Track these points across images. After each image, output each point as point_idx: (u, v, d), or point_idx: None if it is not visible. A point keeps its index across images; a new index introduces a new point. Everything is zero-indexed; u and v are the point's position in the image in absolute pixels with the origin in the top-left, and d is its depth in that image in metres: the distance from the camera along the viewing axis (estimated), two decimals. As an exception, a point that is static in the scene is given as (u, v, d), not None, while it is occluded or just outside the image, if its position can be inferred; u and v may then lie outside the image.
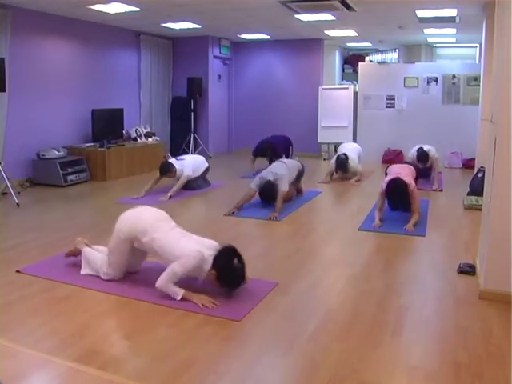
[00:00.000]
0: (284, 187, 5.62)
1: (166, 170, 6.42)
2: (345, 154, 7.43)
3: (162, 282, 3.10)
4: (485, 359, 2.49)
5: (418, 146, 7.20)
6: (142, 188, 6.36)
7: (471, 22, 7.65)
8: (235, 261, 3.11)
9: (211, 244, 3.26)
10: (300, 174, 6.22)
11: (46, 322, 2.84)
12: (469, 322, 2.90)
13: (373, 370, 2.38)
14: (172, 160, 6.69)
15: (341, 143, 8.52)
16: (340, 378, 2.31)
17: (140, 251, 3.45)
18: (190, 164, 6.62)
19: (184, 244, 3.18)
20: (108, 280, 3.45)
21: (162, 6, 6.73)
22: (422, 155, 7.05)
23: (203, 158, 7.08)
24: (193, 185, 6.66)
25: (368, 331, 2.78)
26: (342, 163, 7.38)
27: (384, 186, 5.03)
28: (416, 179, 5.59)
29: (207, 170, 6.97)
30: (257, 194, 5.70)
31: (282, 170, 5.80)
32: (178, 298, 3.09)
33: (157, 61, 9.80)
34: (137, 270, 3.63)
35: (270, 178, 5.65)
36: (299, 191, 6.41)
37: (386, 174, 5.61)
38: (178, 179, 6.49)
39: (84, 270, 3.60)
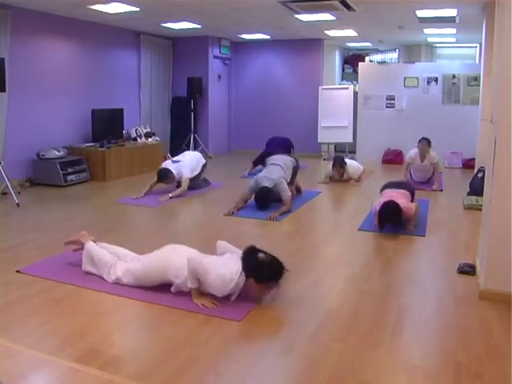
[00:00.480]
0: (287, 193, 5.57)
1: (164, 177, 6.39)
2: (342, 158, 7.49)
3: (195, 261, 3.02)
4: (485, 359, 2.49)
5: (417, 149, 7.09)
6: (141, 188, 6.36)
7: (471, 21, 7.65)
8: (260, 255, 3.05)
9: (235, 257, 3.14)
10: (295, 171, 6.14)
11: (46, 322, 2.84)
12: (469, 322, 2.90)
13: (373, 370, 2.39)
14: (169, 163, 6.61)
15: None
16: (340, 378, 2.31)
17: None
18: (187, 165, 6.56)
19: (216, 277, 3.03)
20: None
21: (161, 5, 6.73)
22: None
23: (200, 155, 7.00)
24: (193, 185, 6.64)
25: (368, 331, 2.78)
26: (339, 158, 7.48)
27: (377, 207, 4.76)
28: (412, 200, 5.21)
29: (205, 166, 6.90)
30: (252, 197, 5.67)
31: (278, 174, 5.71)
32: (191, 286, 3.04)
33: (157, 61, 9.80)
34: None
35: (267, 184, 5.56)
36: (298, 190, 6.41)
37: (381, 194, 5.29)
38: (177, 183, 6.47)
39: (86, 268, 3.58)
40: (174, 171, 6.41)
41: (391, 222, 4.75)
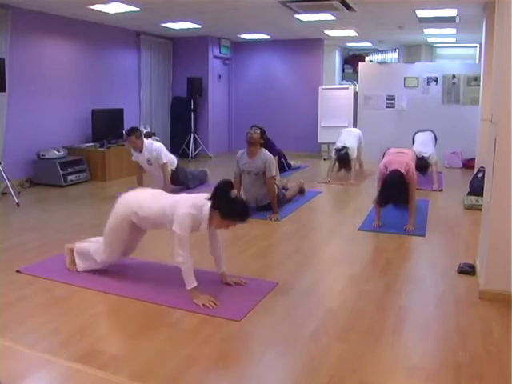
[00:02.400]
0: (273, 171, 5.38)
1: (133, 131, 6.10)
2: (344, 147, 7.23)
3: (178, 254, 3.04)
4: (485, 359, 2.49)
5: (418, 149, 6.90)
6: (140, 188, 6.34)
7: (471, 22, 7.65)
8: (233, 192, 3.08)
9: (202, 195, 3.22)
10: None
11: (45, 322, 2.84)
12: (469, 322, 2.90)
13: (373, 370, 2.39)
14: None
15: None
16: (340, 378, 2.31)
17: (137, 230, 3.46)
18: (163, 150, 6.26)
19: (177, 201, 3.17)
20: (105, 269, 3.52)
21: (161, 5, 6.73)
22: (422, 165, 6.88)
23: (173, 156, 6.69)
24: (187, 182, 6.54)
25: (368, 331, 2.78)
26: (343, 159, 7.24)
27: (381, 173, 4.82)
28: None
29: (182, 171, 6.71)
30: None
31: (265, 152, 5.50)
32: (189, 287, 3.05)
33: (157, 61, 9.80)
34: (133, 251, 3.68)
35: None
36: (301, 191, 6.40)
37: (383, 156, 5.38)
38: (147, 161, 6.21)
39: (80, 267, 3.60)
40: (145, 143, 6.16)
41: (396, 193, 4.62)
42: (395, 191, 4.61)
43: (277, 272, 3.72)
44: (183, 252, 3.04)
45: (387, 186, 4.67)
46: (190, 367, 2.39)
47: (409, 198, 4.74)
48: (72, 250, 3.68)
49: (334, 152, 7.44)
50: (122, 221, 3.37)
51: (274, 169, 5.42)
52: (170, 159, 6.46)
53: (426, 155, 6.83)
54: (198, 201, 3.11)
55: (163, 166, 6.22)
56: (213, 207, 3.05)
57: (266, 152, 5.49)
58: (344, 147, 7.23)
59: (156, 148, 6.21)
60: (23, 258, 3.94)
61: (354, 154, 7.34)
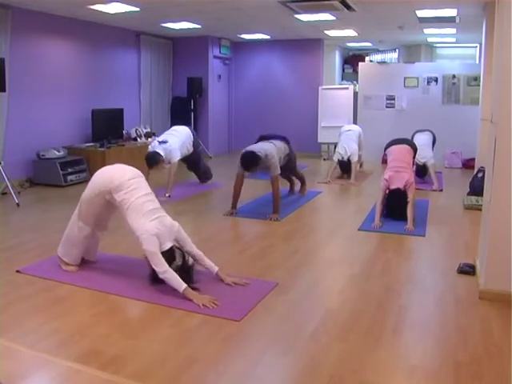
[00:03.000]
0: (275, 170, 5.33)
1: (153, 162, 6.02)
2: (348, 159, 7.42)
3: (157, 267, 3.12)
4: (485, 359, 2.49)
5: (417, 156, 6.86)
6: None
7: (471, 22, 7.65)
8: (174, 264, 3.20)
9: (171, 228, 3.31)
10: (290, 159, 5.93)
11: (46, 322, 2.84)
12: (469, 322, 2.90)
13: (373, 370, 2.38)
14: (155, 144, 6.28)
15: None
16: (340, 378, 2.31)
17: (110, 206, 3.51)
18: (176, 148, 6.24)
19: (143, 222, 3.22)
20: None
21: (161, 5, 6.73)
22: (421, 170, 7.08)
23: (188, 131, 6.63)
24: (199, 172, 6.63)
25: (368, 331, 2.78)
26: (346, 167, 7.54)
27: (384, 181, 5.13)
28: (414, 156, 5.78)
29: (197, 142, 6.65)
30: (246, 174, 5.49)
31: (269, 148, 5.44)
32: (182, 289, 3.07)
33: (157, 61, 9.80)
34: (105, 229, 3.79)
35: (256, 151, 5.33)
36: (302, 187, 6.41)
37: (385, 155, 5.65)
38: (167, 164, 6.19)
39: (65, 259, 3.65)
40: (162, 153, 6.10)
41: (399, 206, 5.05)
42: (398, 208, 5.06)
43: (277, 272, 3.72)
44: (160, 263, 3.11)
45: (390, 205, 5.13)
46: (190, 367, 2.39)
47: (408, 200, 5.01)
48: (62, 261, 3.72)
49: (335, 156, 7.52)
50: (97, 196, 3.44)
51: (277, 167, 5.39)
52: (189, 145, 6.51)
53: (423, 161, 7.03)
54: (150, 230, 3.18)
55: (172, 165, 6.21)
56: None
57: (269, 151, 5.43)
58: (345, 161, 7.46)
59: (170, 155, 6.20)
60: (23, 257, 3.94)
61: (355, 158, 7.44)
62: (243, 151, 5.43)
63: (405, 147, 5.65)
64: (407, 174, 5.16)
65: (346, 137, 7.65)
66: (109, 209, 3.56)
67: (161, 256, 3.13)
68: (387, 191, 5.12)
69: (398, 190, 5.05)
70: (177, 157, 6.24)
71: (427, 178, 7.09)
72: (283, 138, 6.58)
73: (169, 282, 3.11)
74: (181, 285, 3.08)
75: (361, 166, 8.19)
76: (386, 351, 2.56)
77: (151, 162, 6.01)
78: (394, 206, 5.09)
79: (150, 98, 9.67)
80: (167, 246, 3.21)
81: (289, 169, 6.08)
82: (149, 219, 3.23)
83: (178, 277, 3.10)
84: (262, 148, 5.42)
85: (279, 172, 5.44)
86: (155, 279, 3.22)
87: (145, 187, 3.43)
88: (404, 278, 3.68)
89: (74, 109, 7.86)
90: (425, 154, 7.03)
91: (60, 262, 3.68)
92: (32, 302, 3.12)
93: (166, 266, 3.11)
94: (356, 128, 8.09)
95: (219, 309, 3.00)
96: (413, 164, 5.80)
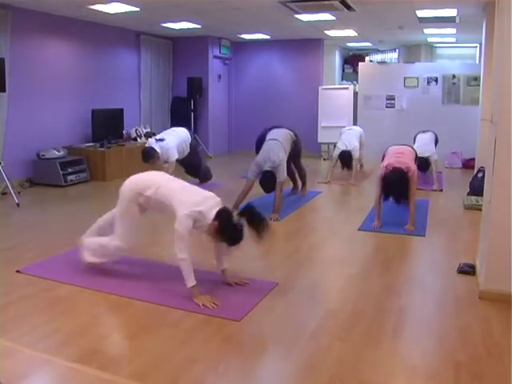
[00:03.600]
0: (282, 176, 5.42)
1: (149, 156, 6.07)
2: (347, 151, 7.27)
3: (178, 251, 3.05)
4: (485, 359, 2.49)
5: (419, 150, 6.83)
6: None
7: (471, 21, 7.65)
8: (236, 217, 3.14)
9: (213, 197, 3.25)
10: (297, 148, 5.97)
11: (45, 322, 2.84)
12: (469, 322, 2.90)
13: (373, 369, 2.38)
14: (152, 141, 6.33)
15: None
16: (340, 378, 2.31)
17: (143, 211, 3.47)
18: (173, 147, 6.26)
19: (183, 197, 3.19)
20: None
21: (161, 5, 6.73)
22: (423, 164, 6.87)
23: (186, 132, 6.66)
24: (199, 173, 6.55)
25: (368, 331, 2.78)
26: (347, 159, 7.30)
27: (382, 173, 4.87)
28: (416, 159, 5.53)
29: (195, 145, 6.64)
30: (256, 181, 5.56)
31: (278, 153, 5.46)
32: (189, 284, 3.05)
33: (157, 61, 9.80)
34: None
35: (268, 167, 5.40)
36: (303, 187, 6.38)
37: (384, 156, 5.41)
38: (165, 163, 6.19)
39: (90, 259, 3.58)
40: (158, 150, 6.15)
41: (397, 189, 4.80)
42: (396, 185, 4.76)
43: (277, 272, 3.72)
44: (183, 249, 3.05)
45: (388, 180, 4.78)
46: (190, 367, 2.39)
47: (409, 195, 4.83)
48: (82, 244, 3.68)
49: (335, 151, 7.43)
50: (130, 202, 3.39)
51: (283, 174, 5.47)
52: (180, 146, 6.44)
53: (426, 155, 6.85)
54: (204, 208, 3.11)
55: (169, 165, 6.20)
56: (215, 220, 3.09)
57: (281, 156, 5.48)
58: (346, 151, 7.31)
59: (167, 153, 6.22)
60: (23, 257, 3.94)
61: (356, 154, 7.40)
62: (260, 172, 5.49)
63: (404, 146, 5.56)
64: (408, 160, 4.96)
65: (346, 135, 7.64)
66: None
67: (187, 242, 3.08)
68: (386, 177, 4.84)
69: (399, 169, 4.78)
70: (174, 156, 6.26)
71: (428, 174, 7.05)
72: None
73: (182, 269, 3.06)
74: (191, 280, 3.05)
75: (361, 166, 8.17)
76: (385, 351, 2.56)
77: (146, 157, 6.10)
78: (393, 186, 4.78)
79: (150, 98, 9.67)
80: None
81: (295, 156, 6.08)
82: (192, 198, 3.18)
83: (192, 271, 3.06)
84: (270, 159, 5.44)
85: (285, 177, 5.54)
86: None
87: (173, 178, 3.50)
88: (404, 278, 3.68)
89: (74, 109, 7.86)
90: (428, 149, 6.98)
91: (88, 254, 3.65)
92: (32, 302, 3.12)
93: (187, 254, 3.06)
94: (357, 128, 8.11)
95: (219, 309, 3.00)
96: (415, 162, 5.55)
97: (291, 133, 5.93)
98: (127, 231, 3.43)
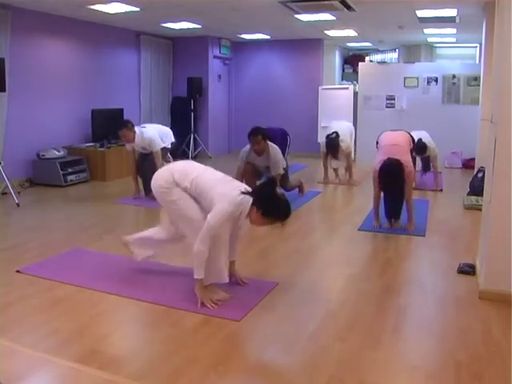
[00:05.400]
0: (279, 169, 5.42)
1: (123, 124, 5.95)
2: (335, 133, 6.99)
3: (200, 241, 2.92)
4: (485, 359, 2.49)
5: (416, 136, 6.45)
6: (140, 187, 6.30)
7: (471, 22, 7.64)
8: (278, 190, 3.02)
9: (237, 186, 3.12)
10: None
11: (45, 322, 2.84)
12: (469, 322, 2.90)
13: (373, 369, 2.38)
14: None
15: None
16: (340, 378, 2.31)
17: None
18: (154, 135, 6.03)
19: (221, 189, 3.02)
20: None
21: (161, 5, 6.73)
22: (420, 147, 6.63)
23: (170, 132, 6.54)
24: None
25: (368, 331, 2.78)
26: (332, 143, 6.91)
27: (377, 167, 4.71)
28: (412, 152, 5.32)
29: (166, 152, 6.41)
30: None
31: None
32: (199, 276, 2.99)
33: (157, 61, 9.79)
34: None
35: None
36: (301, 190, 6.40)
37: (377, 143, 5.25)
38: (143, 149, 6.06)
39: (141, 255, 3.55)
40: (136, 131, 5.97)
41: (393, 181, 4.60)
42: (394, 176, 4.58)
43: (277, 272, 3.72)
44: (206, 241, 2.94)
45: (385, 170, 4.62)
46: (190, 367, 2.39)
47: (405, 194, 4.73)
48: (127, 244, 3.66)
49: (322, 144, 7.18)
50: (180, 192, 3.14)
51: (280, 167, 5.41)
52: (166, 138, 6.31)
53: (425, 140, 6.69)
54: (235, 196, 2.95)
55: (155, 154, 6.00)
56: (254, 204, 2.95)
57: (273, 149, 5.48)
58: (334, 132, 6.99)
59: (149, 137, 6.01)
60: (23, 257, 3.94)
61: (346, 143, 7.07)
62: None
63: (399, 132, 5.29)
64: (405, 154, 4.75)
65: (336, 124, 7.41)
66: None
67: (211, 236, 2.95)
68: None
69: (395, 159, 4.59)
70: (158, 144, 6.03)
71: (429, 173, 7.00)
72: (282, 132, 6.47)
73: (196, 260, 2.96)
74: (200, 273, 2.98)
75: (350, 176, 7.56)
76: (385, 351, 2.56)
77: (120, 125, 5.99)
78: (390, 177, 4.59)
79: (150, 98, 9.66)
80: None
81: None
82: (229, 190, 3.02)
83: (204, 265, 2.97)
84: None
85: (280, 172, 5.47)
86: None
87: (203, 167, 3.31)
88: (404, 278, 3.68)
89: (74, 109, 7.86)
90: (425, 135, 6.79)
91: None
92: (32, 302, 3.12)
93: (207, 247, 2.94)
94: (347, 124, 7.91)
95: (219, 309, 3.00)
96: (411, 155, 5.27)
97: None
98: (197, 221, 3.09)
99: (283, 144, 7.77)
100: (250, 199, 2.96)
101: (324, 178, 7.41)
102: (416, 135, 6.93)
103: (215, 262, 3.09)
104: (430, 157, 6.96)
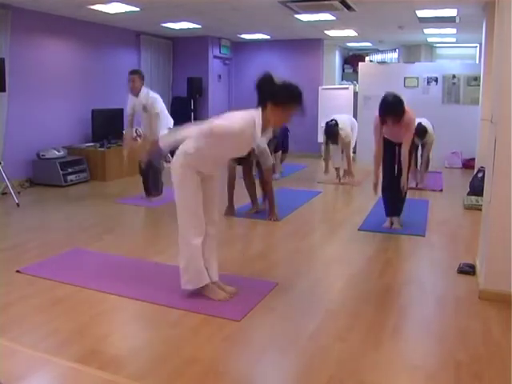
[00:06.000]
0: (269, 162, 5.16)
1: (135, 71, 6.14)
2: (334, 120, 6.97)
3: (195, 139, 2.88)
4: (485, 359, 2.49)
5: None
6: (141, 187, 6.30)
7: (471, 21, 7.65)
8: (276, 79, 2.92)
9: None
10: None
11: (45, 322, 2.84)
12: (469, 322, 2.90)
13: (373, 369, 2.38)
14: None
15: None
16: (340, 378, 2.31)
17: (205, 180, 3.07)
18: (159, 100, 6.08)
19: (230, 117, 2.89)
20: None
21: (161, 5, 6.73)
22: (421, 129, 6.50)
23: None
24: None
25: (368, 331, 2.78)
26: (331, 130, 6.88)
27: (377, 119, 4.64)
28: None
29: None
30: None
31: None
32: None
33: (157, 61, 9.79)
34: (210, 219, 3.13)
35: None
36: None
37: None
38: (143, 108, 6.03)
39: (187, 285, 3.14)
40: (144, 90, 6.05)
41: (394, 112, 4.56)
42: (393, 105, 4.55)
43: (277, 272, 3.72)
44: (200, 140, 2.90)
45: (385, 100, 4.62)
46: (190, 367, 2.39)
47: (403, 142, 4.58)
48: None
49: (322, 134, 7.15)
50: (189, 169, 2.98)
51: (269, 158, 5.17)
52: (167, 117, 6.26)
53: (423, 123, 6.65)
54: (246, 116, 2.85)
55: (155, 116, 5.97)
56: (262, 103, 2.87)
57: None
58: (333, 120, 6.97)
59: (153, 96, 6.05)
60: (23, 257, 3.94)
61: (346, 131, 6.97)
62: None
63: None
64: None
65: (337, 116, 7.32)
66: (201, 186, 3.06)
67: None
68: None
69: (397, 96, 4.57)
70: (159, 108, 6.02)
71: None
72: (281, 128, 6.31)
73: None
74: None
75: (350, 174, 7.53)
76: (386, 351, 2.56)
77: (134, 70, 6.25)
78: (390, 106, 4.55)
79: (150, 98, 9.65)
80: None
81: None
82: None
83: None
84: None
85: (271, 163, 5.23)
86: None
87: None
88: (404, 278, 3.68)
89: (74, 109, 7.86)
90: (426, 121, 6.75)
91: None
92: (32, 302, 3.12)
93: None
94: (349, 117, 7.82)
95: (219, 309, 3.00)
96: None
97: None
98: (192, 214, 2.97)
99: (284, 136, 7.74)
100: (257, 112, 2.86)
101: (325, 169, 7.36)
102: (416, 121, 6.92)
103: (190, 266, 3.04)
104: (426, 143, 6.91)
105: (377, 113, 4.64)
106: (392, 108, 4.55)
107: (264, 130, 2.90)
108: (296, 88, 2.92)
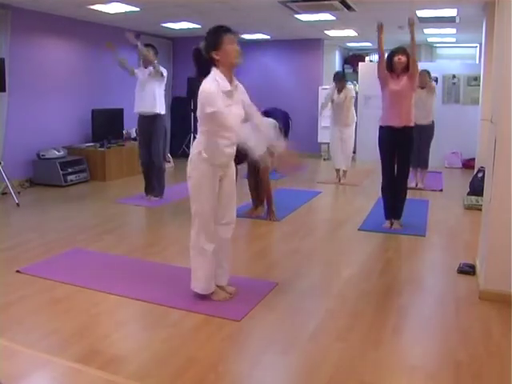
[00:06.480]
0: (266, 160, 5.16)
1: (152, 45, 6.51)
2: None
3: (236, 133, 3.14)
4: (485, 359, 2.49)
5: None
6: (140, 187, 6.30)
7: (471, 22, 7.65)
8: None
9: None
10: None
11: (45, 322, 2.84)
12: (469, 322, 2.90)
13: (373, 370, 2.38)
14: None
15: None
16: (340, 378, 2.31)
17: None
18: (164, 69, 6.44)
19: None
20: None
21: (161, 5, 6.73)
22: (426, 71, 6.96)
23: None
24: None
25: (368, 331, 2.78)
26: (340, 74, 7.55)
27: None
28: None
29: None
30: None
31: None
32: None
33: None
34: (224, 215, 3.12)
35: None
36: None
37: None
38: (149, 74, 6.44)
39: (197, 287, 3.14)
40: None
41: (402, 51, 5.20)
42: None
43: (277, 272, 3.72)
44: (234, 128, 3.03)
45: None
46: (190, 367, 2.39)
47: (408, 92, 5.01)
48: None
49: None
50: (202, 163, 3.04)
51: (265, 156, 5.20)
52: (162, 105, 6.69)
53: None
54: (207, 78, 3.13)
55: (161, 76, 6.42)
56: (209, 61, 3.22)
57: None
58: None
59: (162, 69, 6.40)
60: (23, 257, 3.94)
61: (351, 91, 7.64)
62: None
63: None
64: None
65: None
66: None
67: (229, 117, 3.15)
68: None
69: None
70: (164, 72, 6.49)
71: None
72: (284, 114, 6.42)
73: (250, 143, 3.07)
74: (260, 149, 3.21)
75: (344, 173, 7.56)
76: (386, 351, 2.56)
77: (148, 44, 6.60)
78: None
79: (150, 98, 9.64)
80: None
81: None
82: None
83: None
84: None
85: (268, 163, 5.16)
86: None
87: None
88: (404, 278, 3.68)
89: (74, 109, 7.86)
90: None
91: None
92: (32, 302, 3.12)
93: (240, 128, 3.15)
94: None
95: (219, 309, 3.00)
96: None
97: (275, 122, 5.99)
98: (204, 212, 2.98)
99: (286, 126, 7.65)
100: (212, 71, 3.19)
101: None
102: None
103: (200, 272, 3.06)
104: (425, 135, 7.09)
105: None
106: (402, 48, 5.16)
107: (229, 77, 3.27)
108: (214, 27, 3.20)
